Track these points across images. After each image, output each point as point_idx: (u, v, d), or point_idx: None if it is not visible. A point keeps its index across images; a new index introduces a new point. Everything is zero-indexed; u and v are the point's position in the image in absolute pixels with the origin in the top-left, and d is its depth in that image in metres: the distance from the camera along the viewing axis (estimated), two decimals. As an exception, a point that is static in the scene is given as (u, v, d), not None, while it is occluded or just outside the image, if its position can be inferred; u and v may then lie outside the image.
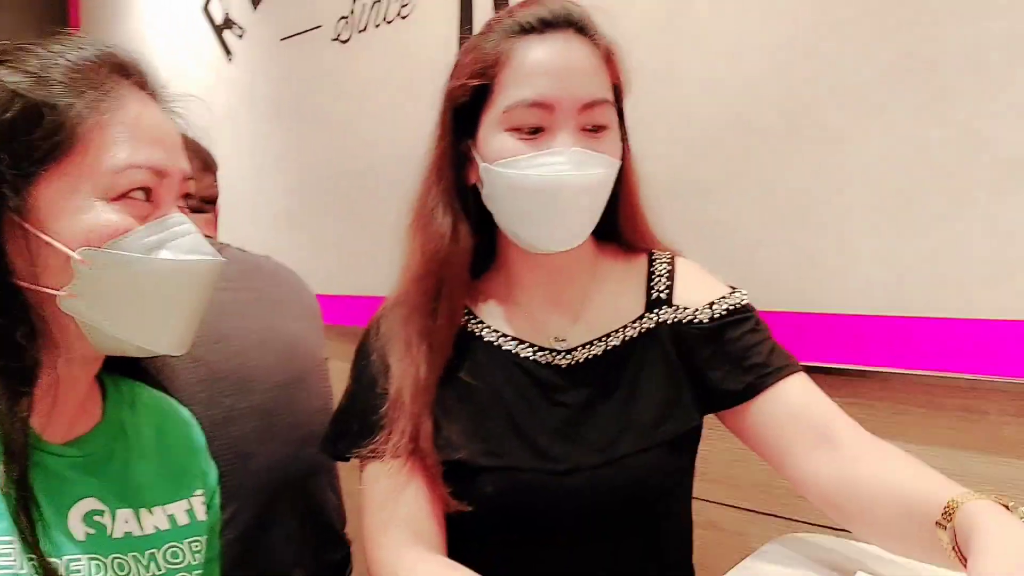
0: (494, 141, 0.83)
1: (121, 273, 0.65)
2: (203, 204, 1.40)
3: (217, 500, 0.86)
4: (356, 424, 0.89)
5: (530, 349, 0.90)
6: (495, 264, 0.95)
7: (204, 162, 1.40)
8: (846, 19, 1.16)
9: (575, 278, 0.92)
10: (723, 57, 1.29)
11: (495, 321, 0.93)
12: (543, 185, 0.81)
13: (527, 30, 0.83)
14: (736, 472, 1.32)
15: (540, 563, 0.86)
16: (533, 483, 0.85)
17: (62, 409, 0.70)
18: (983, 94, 1.05)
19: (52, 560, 0.63)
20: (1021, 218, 1.03)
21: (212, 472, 0.86)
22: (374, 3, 1.96)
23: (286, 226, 2.31)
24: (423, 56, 1.83)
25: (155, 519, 0.76)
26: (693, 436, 0.91)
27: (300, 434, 1.28)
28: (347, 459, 0.91)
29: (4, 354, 0.63)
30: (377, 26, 1.96)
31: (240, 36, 2.43)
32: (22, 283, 0.65)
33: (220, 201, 1.47)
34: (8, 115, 0.63)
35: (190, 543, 0.78)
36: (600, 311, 0.92)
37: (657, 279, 0.93)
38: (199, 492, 0.82)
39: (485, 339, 0.92)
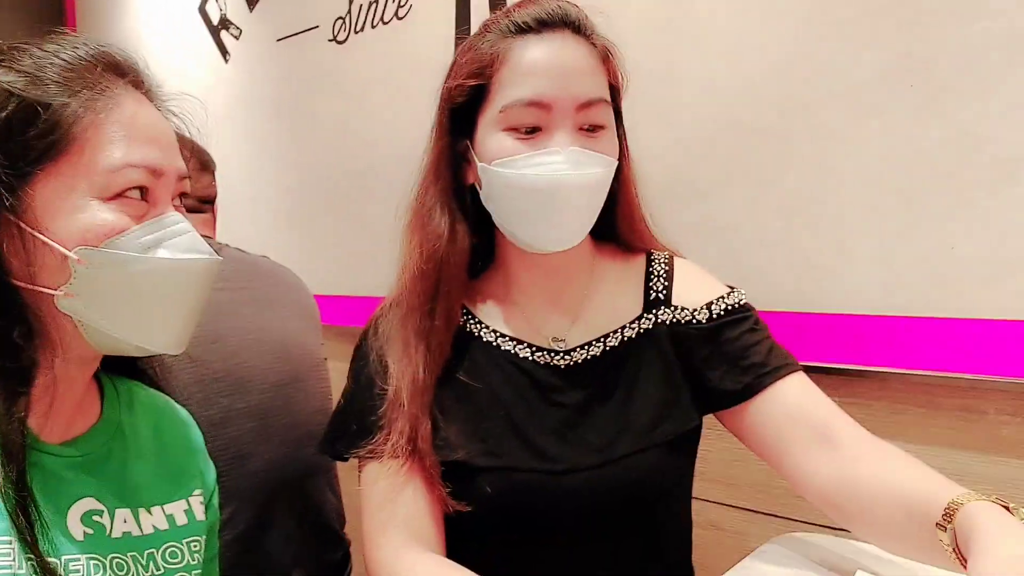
0: (491, 141, 0.83)
1: (118, 272, 0.65)
2: (201, 204, 1.40)
3: (216, 500, 0.86)
4: (354, 424, 0.89)
5: (528, 349, 0.90)
6: (493, 264, 0.95)
7: (201, 161, 1.39)
8: (845, 19, 1.16)
9: (573, 278, 0.92)
10: (721, 57, 1.29)
11: (493, 321, 0.92)
12: (541, 185, 0.81)
13: (524, 30, 0.83)
14: (735, 472, 1.32)
15: (539, 563, 0.86)
16: (531, 483, 0.84)
17: (60, 409, 0.70)
18: (982, 94, 1.05)
19: (51, 560, 0.63)
20: (1020, 218, 1.03)
21: (211, 472, 0.86)
22: (371, 4, 1.95)
23: (284, 226, 2.31)
24: (420, 57, 1.83)
25: (154, 519, 0.75)
26: (692, 436, 0.91)
27: (298, 434, 1.28)
28: (346, 459, 0.91)
29: (1, 354, 0.63)
30: (374, 27, 1.96)
31: (237, 37, 2.42)
32: (19, 283, 0.65)
33: (218, 201, 1.47)
34: (3, 115, 0.63)
35: (189, 543, 0.78)
36: (598, 311, 0.92)
37: (655, 279, 0.93)
38: (197, 492, 0.82)
39: (483, 339, 0.91)
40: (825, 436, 0.81)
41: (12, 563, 0.61)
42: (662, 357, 0.90)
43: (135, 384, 0.83)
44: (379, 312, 0.94)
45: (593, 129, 0.83)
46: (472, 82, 0.84)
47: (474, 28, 0.90)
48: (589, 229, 0.87)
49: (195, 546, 0.78)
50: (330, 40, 2.08)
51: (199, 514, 0.81)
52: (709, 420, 0.92)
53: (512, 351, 0.90)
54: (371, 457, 0.86)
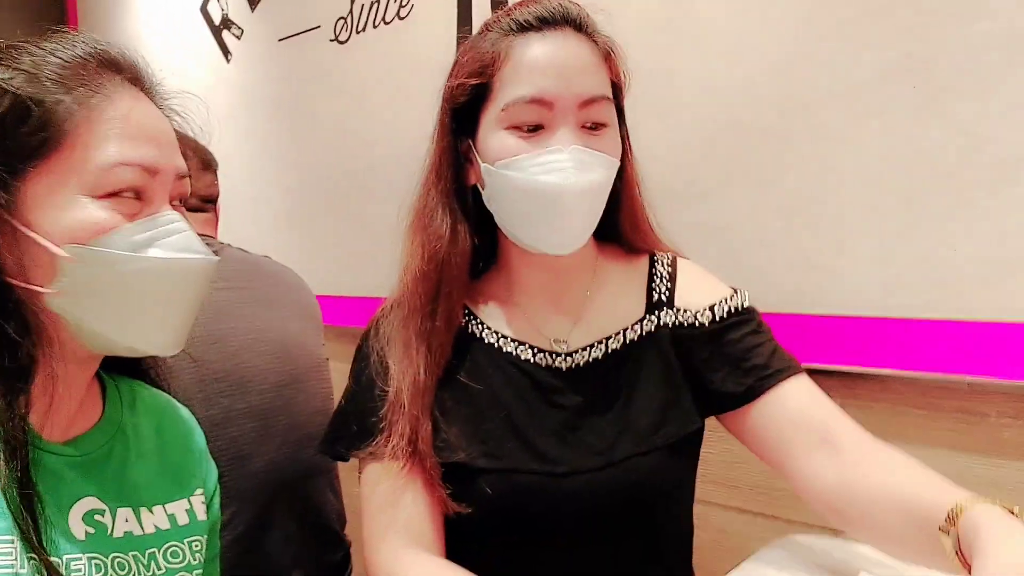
0: (493, 140, 0.83)
1: (108, 271, 0.64)
2: (203, 203, 1.40)
3: (217, 500, 0.86)
4: (355, 425, 0.89)
5: (530, 351, 0.90)
6: (495, 265, 0.95)
7: (203, 160, 1.39)
8: (845, 19, 1.16)
9: (575, 279, 0.92)
10: (721, 57, 1.29)
11: (495, 322, 0.92)
12: (544, 189, 0.80)
13: (525, 28, 0.83)
14: (736, 474, 1.31)
15: (539, 565, 0.86)
16: (532, 485, 0.84)
17: (60, 408, 0.70)
18: (982, 94, 1.05)
19: (52, 559, 0.63)
20: (1020, 218, 1.03)
21: (212, 472, 0.86)
22: (372, 4, 1.95)
23: (285, 226, 2.31)
24: (421, 57, 1.83)
25: (155, 518, 0.75)
26: (694, 439, 0.91)
27: (298, 435, 1.28)
28: (346, 459, 0.90)
29: None
30: (376, 27, 1.95)
31: (238, 37, 2.42)
32: (13, 281, 0.64)
33: (220, 201, 1.47)
34: None
35: (190, 542, 0.77)
36: (600, 313, 0.92)
37: (658, 281, 0.93)
38: (199, 491, 0.82)
39: (485, 340, 0.91)
40: (827, 439, 0.81)
41: (14, 562, 0.61)
42: (664, 359, 0.89)
43: (137, 384, 0.83)
44: (380, 313, 0.93)
45: (595, 127, 0.83)
46: (474, 81, 0.84)
47: (476, 28, 0.90)
48: (592, 231, 0.87)
49: (196, 546, 0.78)
50: (331, 40, 2.08)
51: (200, 514, 0.80)
52: (710, 422, 0.92)
53: (513, 352, 0.90)
54: (371, 458, 0.86)
